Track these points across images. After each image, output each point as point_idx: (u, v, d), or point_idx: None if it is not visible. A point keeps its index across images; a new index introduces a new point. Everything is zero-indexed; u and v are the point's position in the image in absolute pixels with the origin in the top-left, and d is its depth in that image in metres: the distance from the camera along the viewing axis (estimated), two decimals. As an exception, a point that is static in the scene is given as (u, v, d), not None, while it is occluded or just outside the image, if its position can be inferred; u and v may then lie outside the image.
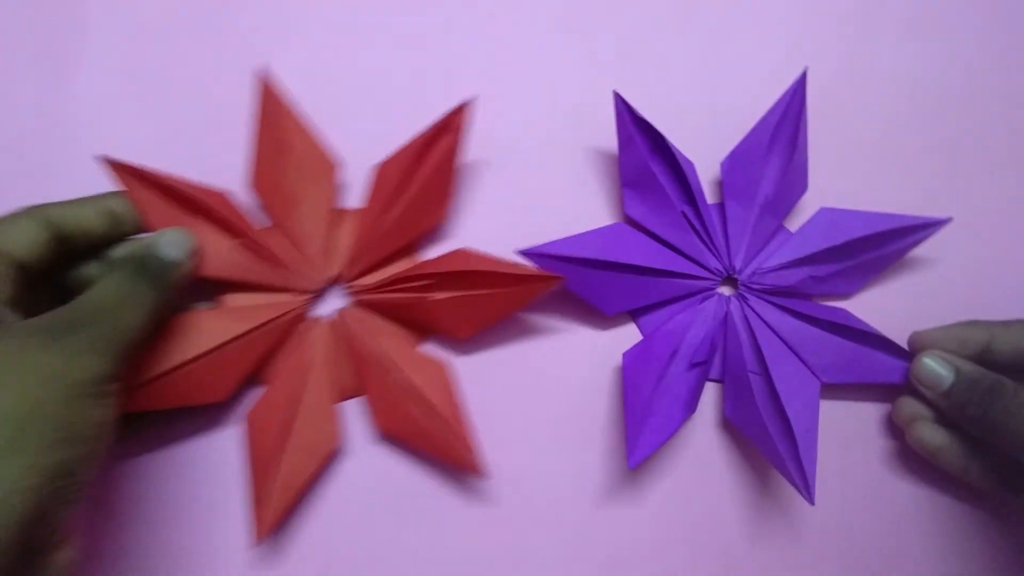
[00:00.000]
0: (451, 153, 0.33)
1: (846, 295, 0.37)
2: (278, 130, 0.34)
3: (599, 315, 0.36)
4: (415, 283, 0.33)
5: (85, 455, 0.24)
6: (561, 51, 0.39)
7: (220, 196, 0.34)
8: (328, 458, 0.33)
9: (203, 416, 0.34)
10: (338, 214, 0.36)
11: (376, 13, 0.40)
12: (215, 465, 0.34)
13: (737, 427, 0.33)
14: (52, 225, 0.29)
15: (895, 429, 0.35)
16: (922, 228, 0.35)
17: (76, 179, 0.35)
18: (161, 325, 0.30)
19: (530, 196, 0.38)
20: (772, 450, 0.30)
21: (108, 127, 0.38)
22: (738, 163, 0.36)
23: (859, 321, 0.34)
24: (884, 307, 0.36)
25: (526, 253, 0.33)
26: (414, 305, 0.33)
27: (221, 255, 0.33)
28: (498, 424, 0.35)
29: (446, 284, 0.33)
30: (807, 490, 0.29)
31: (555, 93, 0.39)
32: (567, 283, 0.33)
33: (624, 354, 0.34)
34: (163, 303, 0.29)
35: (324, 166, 0.35)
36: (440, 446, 0.32)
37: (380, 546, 0.34)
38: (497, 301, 0.33)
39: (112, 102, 0.38)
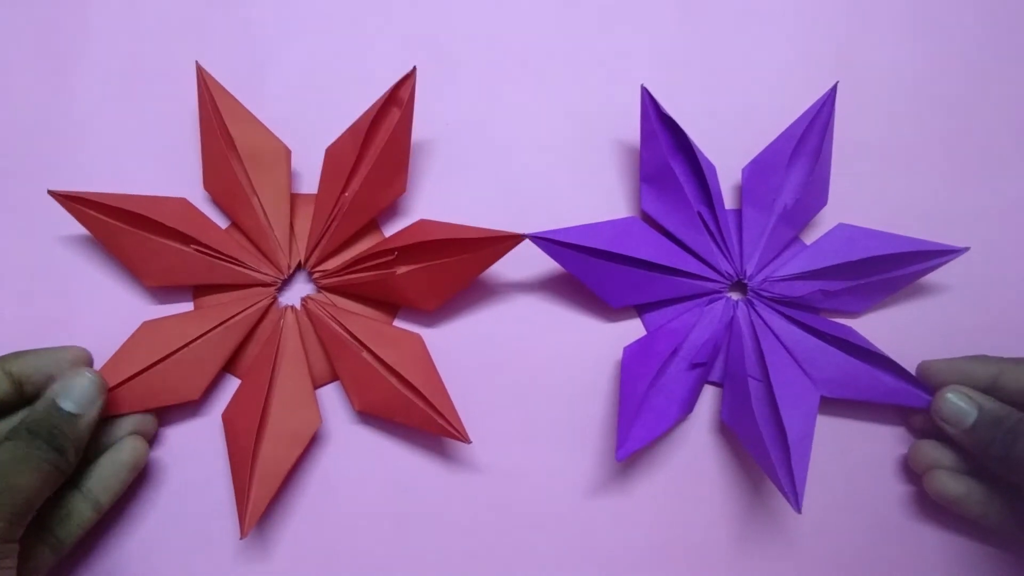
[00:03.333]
0: (402, 125, 0.33)
1: (854, 314, 0.36)
2: (221, 125, 0.34)
3: (604, 307, 0.36)
4: (378, 260, 0.33)
5: None
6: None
7: (177, 204, 0.34)
8: (308, 444, 0.32)
9: (184, 410, 0.34)
10: (295, 201, 0.36)
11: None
12: (201, 458, 0.34)
13: (732, 431, 0.33)
14: None
15: (886, 445, 0.35)
16: (938, 255, 0.34)
17: (76, 181, 0.36)
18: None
19: (549, 184, 0.37)
20: (764, 455, 0.30)
21: (108, 129, 0.37)
22: (760, 170, 0.36)
23: (864, 340, 0.33)
24: (891, 329, 0.36)
25: (535, 237, 0.33)
26: (379, 283, 0.33)
27: (180, 262, 0.33)
28: (494, 411, 0.35)
29: (409, 257, 0.33)
30: (795, 497, 0.29)
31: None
32: (575, 272, 0.33)
33: (625, 348, 0.33)
34: (64, 461, 0.28)
35: (273, 155, 0.35)
36: (418, 416, 0.32)
37: (367, 528, 0.34)
38: (461, 267, 0.32)
39: (113, 104, 0.37)
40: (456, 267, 0.32)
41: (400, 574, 0.34)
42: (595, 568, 0.34)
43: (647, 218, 0.36)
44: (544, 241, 0.33)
